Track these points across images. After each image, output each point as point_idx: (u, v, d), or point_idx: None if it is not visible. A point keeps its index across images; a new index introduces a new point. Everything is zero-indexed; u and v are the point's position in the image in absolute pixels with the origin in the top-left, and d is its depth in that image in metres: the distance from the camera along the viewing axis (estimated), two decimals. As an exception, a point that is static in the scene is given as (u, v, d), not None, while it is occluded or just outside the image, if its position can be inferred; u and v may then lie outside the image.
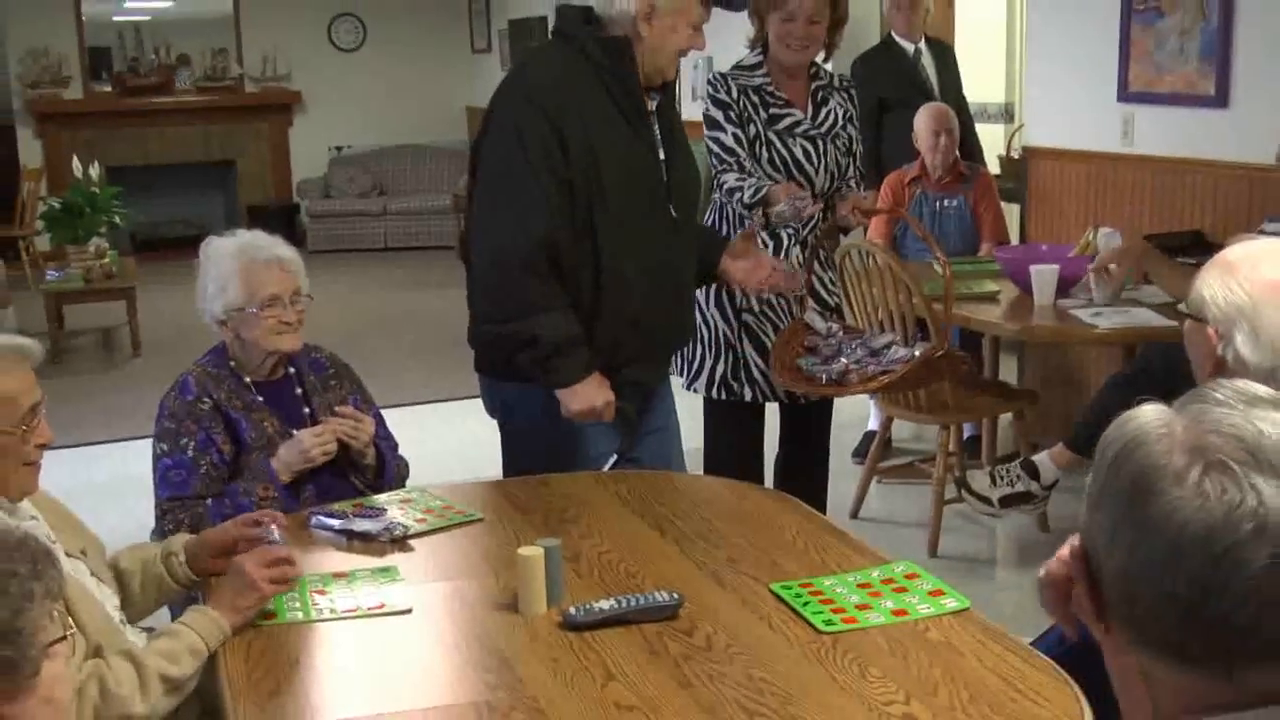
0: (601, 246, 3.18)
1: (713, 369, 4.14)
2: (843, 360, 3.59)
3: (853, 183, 4.28)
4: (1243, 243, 2.32)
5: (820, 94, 4.21)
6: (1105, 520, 1.19)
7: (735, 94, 4.09)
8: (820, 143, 4.15)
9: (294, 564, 2.49)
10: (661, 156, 3.33)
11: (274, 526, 2.60)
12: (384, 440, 3.37)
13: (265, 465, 3.12)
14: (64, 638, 1.56)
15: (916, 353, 3.54)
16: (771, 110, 4.12)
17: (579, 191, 3.15)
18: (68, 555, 2.43)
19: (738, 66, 4.18)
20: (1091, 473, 1.24)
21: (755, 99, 4.11)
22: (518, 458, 3.41)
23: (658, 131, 3.33)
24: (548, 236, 3.12)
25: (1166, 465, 1.15)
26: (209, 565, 2.66)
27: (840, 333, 3.76)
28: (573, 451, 3.29)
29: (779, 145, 4.10)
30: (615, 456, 3.30)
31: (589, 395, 3.18)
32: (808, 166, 4.13)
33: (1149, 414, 1.21)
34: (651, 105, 3.31)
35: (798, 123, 4.14)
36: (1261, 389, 1.23)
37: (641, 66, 3.21)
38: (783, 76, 4.15)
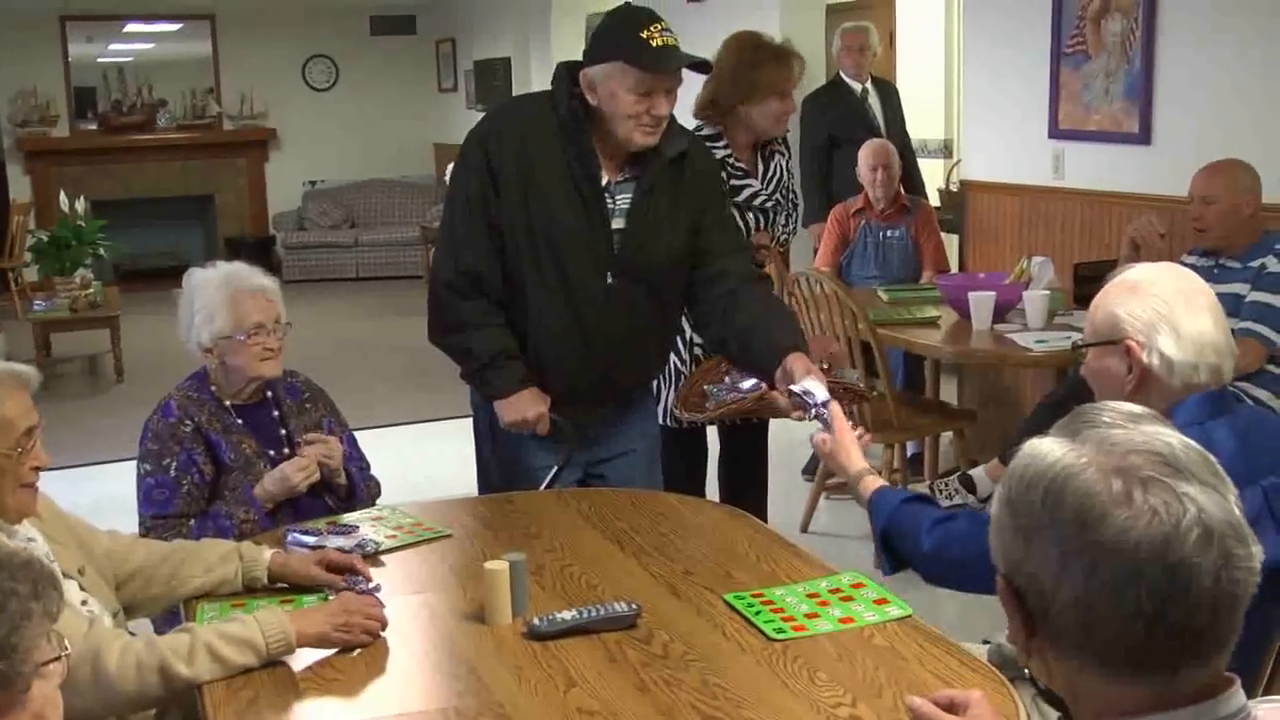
0: (528, 297, 3.17)
1: (666, 398, 4.13)
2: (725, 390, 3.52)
3: (782, 217, 4.32)
4: (1128, 271, 2.38)
5: (766, 149, 4.23)
6: (1051, 553, 1.19)
7: None
8: (770, 213, 4.20)
9: (383, 628, 2.37)
10: (619, 226, 3.16)
11: (364, 581, 2.57)
12: (355, 461, 3.37)
13: (248, 492, 3.10)
14: (58, 658, 1.55)
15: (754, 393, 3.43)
16: (732, 182, 4.09)
17: (509, 238, 3.14)
18: (64, 575, 2.40)
19: (701, 137, 4.00)
20: (1011, 511, 1.24)
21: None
22: (479, 459, 3.45)
23: (626, 201, 3.16)
24: (471, 269, 3.16)
25: (1105, 490, 1.16)
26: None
27: None
28: (516, 460, 3.32)
29: (736, 217, 4.04)
30: (556, 469, 3.28)
31: (520, 407, 3.19)
32: (754, 235, 4.17)
33: (1056, 449, 1.22)
34: (621, 175, 3.16)
35: (755, 194, 4.15)
36: (1135, 408, 1.26)
37: (614, 134, 3.09)
38: (740, 146, 4.15)
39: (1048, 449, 1.23)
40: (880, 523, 2.46)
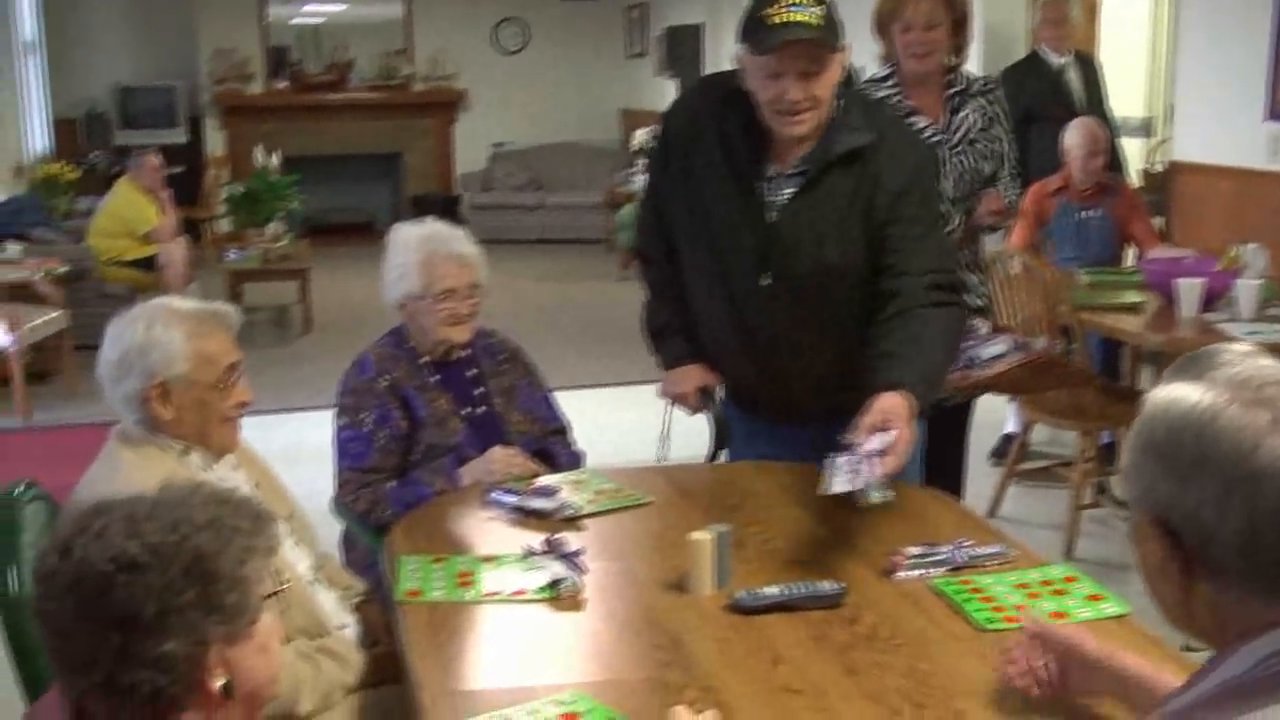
0: (690, 284, 3.10)
1: None
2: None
3: (1001, 186, 4.11)
4: None
5: (955, 100, 4.01)
6: (1211, 490, 1.23)
7: None
8: (945, 152, 3.96)
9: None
10: (772, 219, 2.88)
11: (567, 543, 2.48)
12: (552, 421, 3.38)
13: (452, 468, 3.12)
14: (278, 591, 1.58)
15: (1017, 357, 3.38)
16: None
17: (671, 220, 3.07)
18: None
19: (868, 80, 3.99)
20: (1157, 455, 1.28)
21: None
22: None
23: (785, 195, 2.87)
24: (640, 248, 3.26)
25: (1254, 422, 1.23)
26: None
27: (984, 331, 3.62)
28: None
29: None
30: (711, 450, 3.29)
31: (671, 382, 3.19)
32: (985, 200, 4.02)
33: (1193, 392, 1.27)
34: (791, 169, 2.87)
35: (921, 131, 3.92)
36: (1242, 345, 1.33)
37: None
38: (913, 86, 3.97)
39: (1183, 393, 1.28)
40: None
